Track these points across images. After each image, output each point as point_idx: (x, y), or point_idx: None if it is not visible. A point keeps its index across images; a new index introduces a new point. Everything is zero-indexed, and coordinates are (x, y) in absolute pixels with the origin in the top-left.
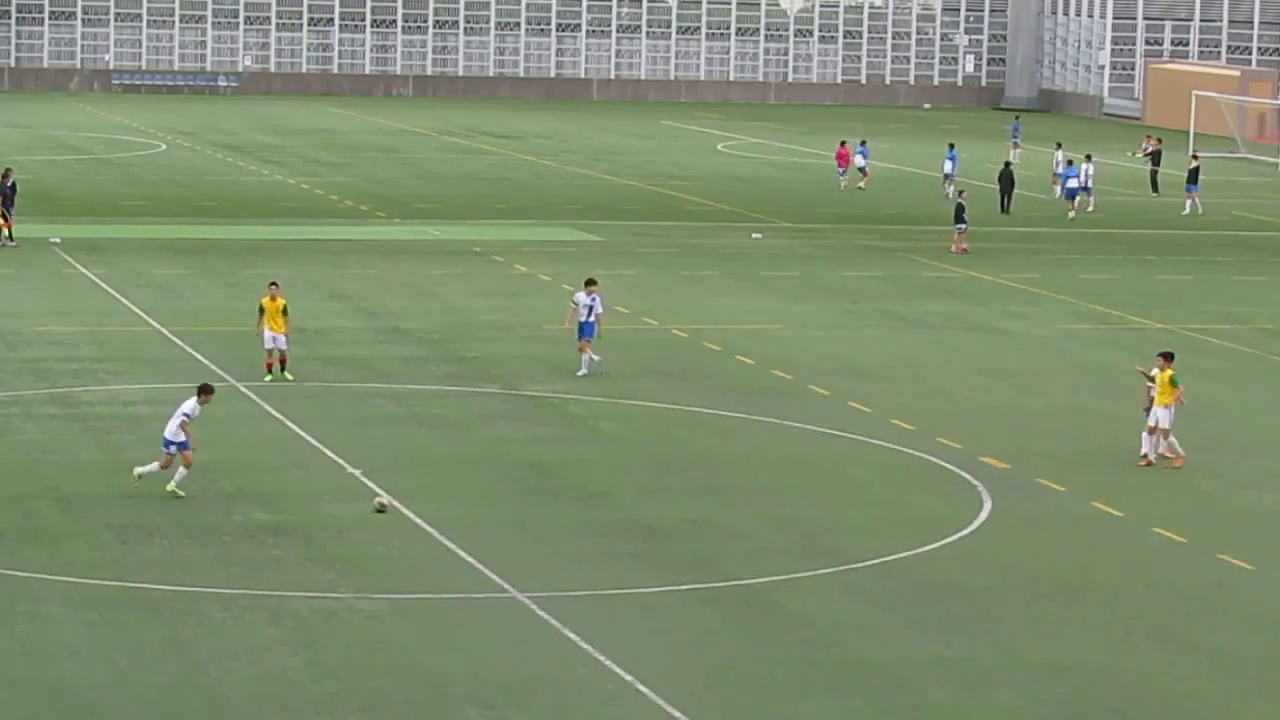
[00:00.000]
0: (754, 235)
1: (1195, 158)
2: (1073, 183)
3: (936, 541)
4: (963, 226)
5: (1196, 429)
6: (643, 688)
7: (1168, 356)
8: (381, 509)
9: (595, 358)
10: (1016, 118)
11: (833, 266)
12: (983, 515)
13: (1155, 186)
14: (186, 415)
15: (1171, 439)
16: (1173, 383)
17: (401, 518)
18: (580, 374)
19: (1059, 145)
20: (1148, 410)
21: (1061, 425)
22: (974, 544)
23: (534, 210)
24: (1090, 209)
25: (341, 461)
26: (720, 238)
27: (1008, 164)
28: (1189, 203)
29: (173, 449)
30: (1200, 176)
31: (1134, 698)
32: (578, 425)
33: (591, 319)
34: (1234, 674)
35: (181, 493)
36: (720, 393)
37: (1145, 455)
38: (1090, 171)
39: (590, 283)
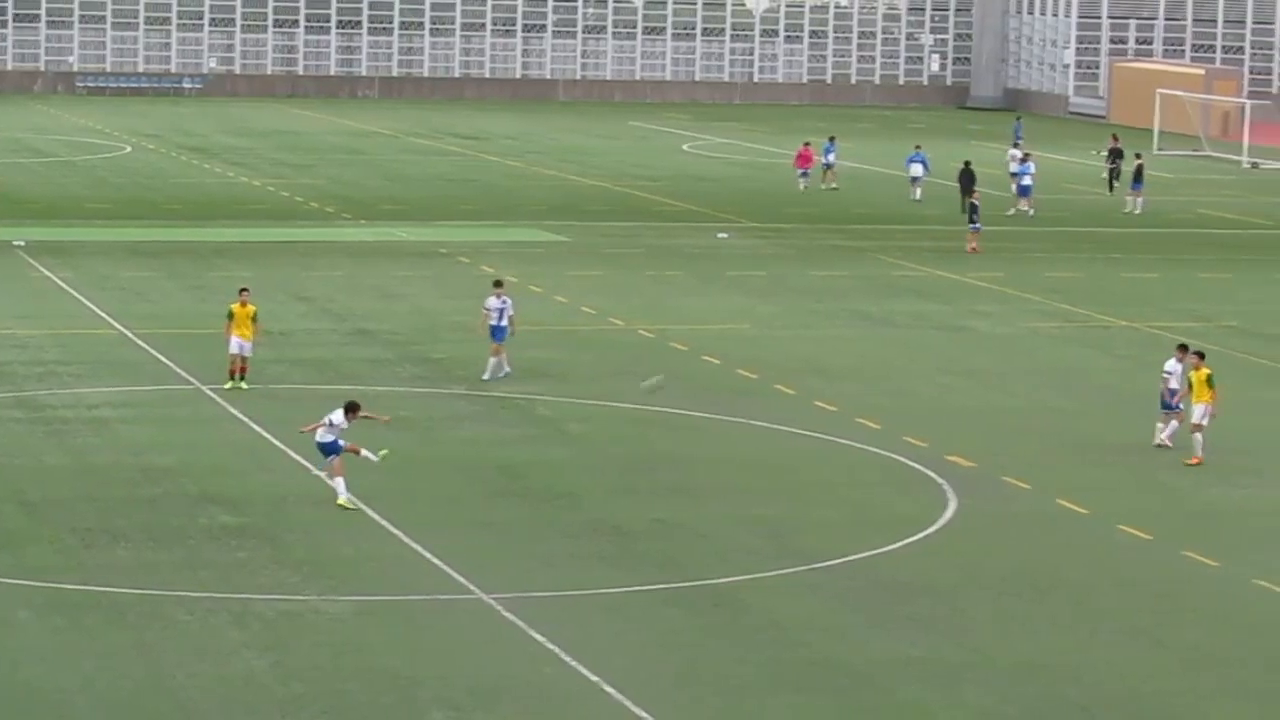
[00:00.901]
0: (720, 235)
1: (1139, 156)
2: (1027, 180)
3: (903, 540)
4: (977, 226)
5: (1154, 424)
6: (609, 688)
7: (1200, 355)
8: (657, 387)
9: (506, 368)
10: (1018, 118)
11: (799, 266)
12: (949, 514)
13: (1111, 185)
14: (330, 422)
15: (1198, 436)
16: (1209, 383)
17: (368, 519)
18: (485, 378)
19: (1015, 144)
20: (1170, 407)
21: (1028, 423)
22: (941, 543)
23: (501, 211)
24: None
25: (307, 464)
26: (687, 238)
27: (967, 163)
28: (1134, 201)
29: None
30: (1144, 175)
31: (1102, 695)
32: (545, 426)
33: (503, 322)
34: (1201, 671)
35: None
36: (687, 393)
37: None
38: (1031, 170)
39: (498, 285)
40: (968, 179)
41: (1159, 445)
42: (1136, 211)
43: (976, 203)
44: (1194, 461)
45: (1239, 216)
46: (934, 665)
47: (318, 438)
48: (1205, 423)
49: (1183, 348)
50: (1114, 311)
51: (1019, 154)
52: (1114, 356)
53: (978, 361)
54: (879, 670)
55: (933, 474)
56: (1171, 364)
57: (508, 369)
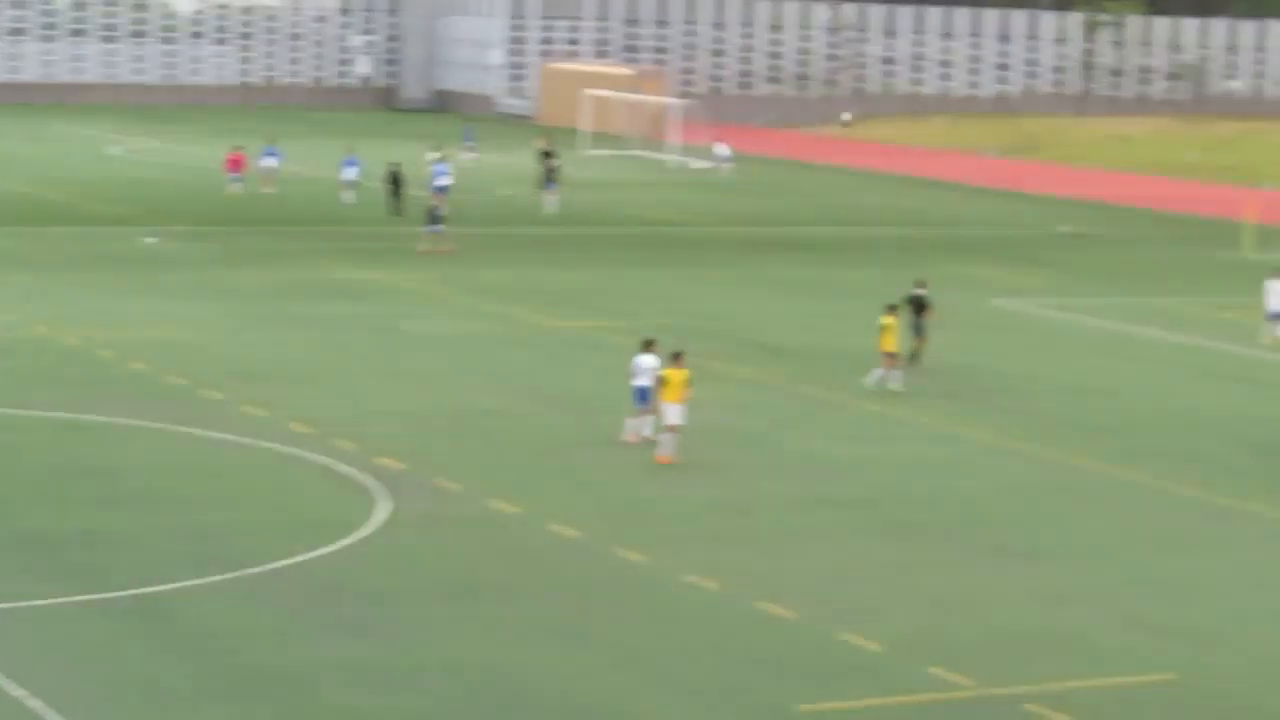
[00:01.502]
0: (148, 240)
1: (554, 156)
2: (444, 180)
3: (334, 544)
4: (439, 228)
5: (589, 422)
6: (34, 702)
7: (677, 355)
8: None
9: None
10: (467, 123)
11: (230, 270)
12: (380, 517)
13: (543, 185)
14: None
15: (676, 437)
16: (687, 383)
17: None
18: None
19: (437, 147)
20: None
21: (460, 425)
22: (371, 546)
23: None
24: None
25: None
26: (114, 243)
27: (394, 165)
28: (551, 200)
29: None
30: (558, 175)
31: (532, 695)
32: None
33: None
34: (625, 667)
35: None
36: (113, 400)
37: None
38: (447, 171)
39: None
40: (395, 181)
41: (628, 441)
42: (554, 211)
43: (438, 203)
44: (663, 460)
45: (667, 215)
46: (367, 669)
47: None
48: (681, 423)
49: (648, 343)
50: (546, 312)
51: (437, 154)
52: (545, 357)
53: (410, 363)
54: (312, 675)
55: (364, 477)
56: (646, 359)
57: None
